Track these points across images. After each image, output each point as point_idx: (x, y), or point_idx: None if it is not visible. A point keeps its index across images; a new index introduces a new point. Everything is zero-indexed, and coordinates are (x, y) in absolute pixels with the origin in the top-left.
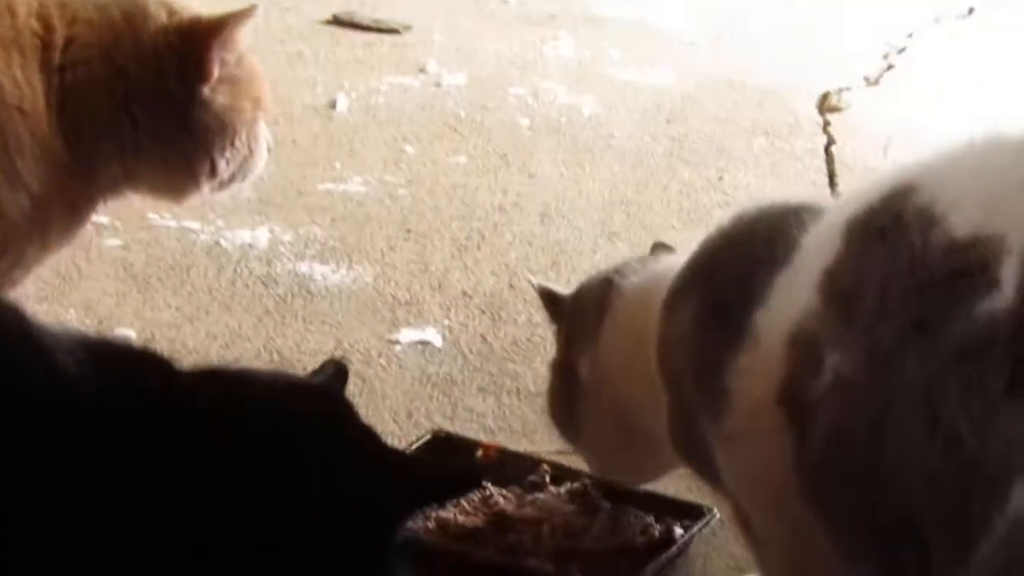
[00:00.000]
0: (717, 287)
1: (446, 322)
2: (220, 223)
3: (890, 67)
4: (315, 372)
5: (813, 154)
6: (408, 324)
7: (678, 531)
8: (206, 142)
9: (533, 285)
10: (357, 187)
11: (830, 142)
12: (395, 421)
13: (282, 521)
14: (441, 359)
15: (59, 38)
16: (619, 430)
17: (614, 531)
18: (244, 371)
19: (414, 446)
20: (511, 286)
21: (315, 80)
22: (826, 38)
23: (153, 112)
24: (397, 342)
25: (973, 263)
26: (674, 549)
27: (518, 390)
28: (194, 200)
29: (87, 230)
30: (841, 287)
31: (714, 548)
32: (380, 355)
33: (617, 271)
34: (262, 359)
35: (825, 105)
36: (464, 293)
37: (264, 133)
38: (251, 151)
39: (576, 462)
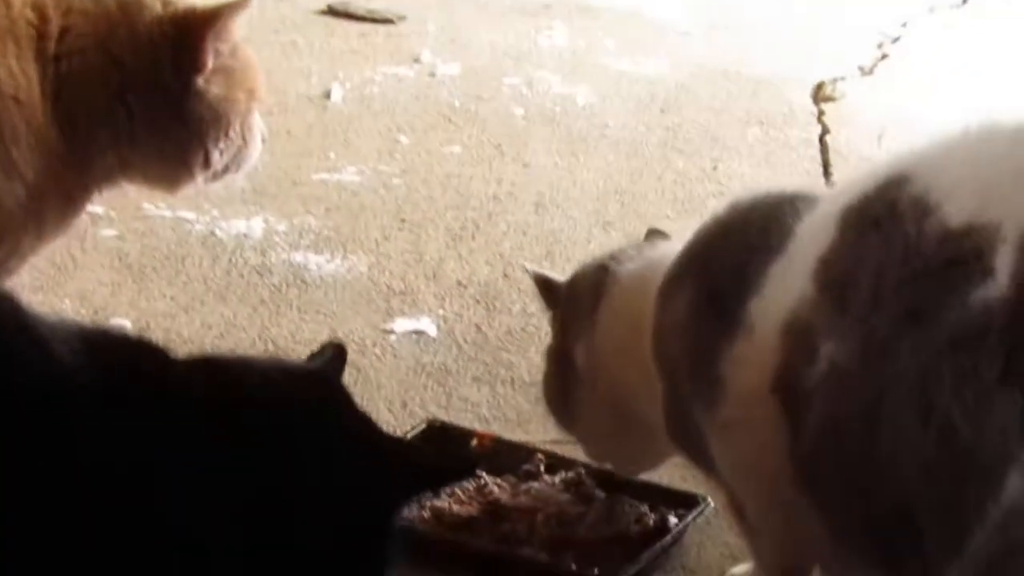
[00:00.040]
0: (712, 275)
1: (441, 312)
2: (215, 213)
3: (884, 56)
4: (314, 355)
5: (807, 144)
6: (403, 314)
7: (672, 520)
8: (200, 132)
9: (528, 271)
10: (352, 177)
11: (824, 131)
12: (390, 410)
13: (279, 508)
14: (436, 349)
15: (54, 28)
16: (614, 417)
17: (608, 520)
18: (239, 359)
19: (409, 435)
20: (505, 276)
21: (310, 70)
22: (820, 28)
23: (148, 102)
24: (392, 332)
25: (968, 251)
26: (668, 538)
27: (513, 380)
28: (188, 190)
29: (82, 220)
30: (836, 276)
31: (708, 537)
32: (375, 345)
33: (613, 257)
34: (257, 349)
35: (819, 95)
36: (458, 283)
37: (259, 124)
38: (245, 142)
39: (571, 451)
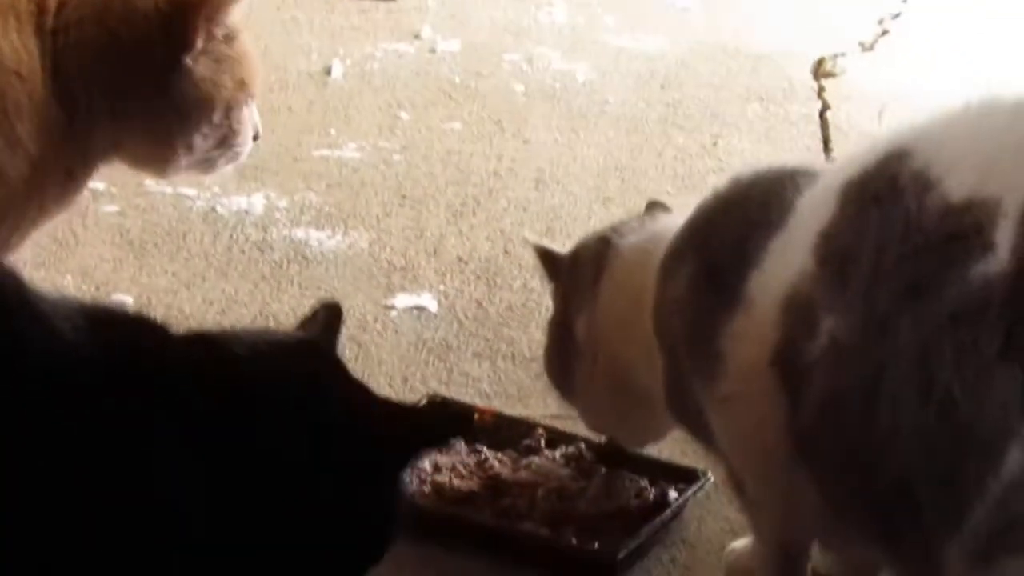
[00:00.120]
0: (712, 251)
1: (441, 287)
2: (216, 189)
3: (885, 32)
4: (308, 318)
5: (808, 119)
6: (404, 290)
7: (672, 494)
8: (183, 113)
9: (530, 244)
10: (352, 153)
11: (825, 107)
12: (391, 386)
13: (279, 480)
14: (437, 324)
15: (52, 2)
16: (615, 390)
17: (609, 495)
18: (233, 332)
19: None
20: (506, 252)
21: (310, 47)
22: (820, 3)
23: (139, 77)
24: (393, 307)
25: (968, 226)
26: (668, 512)
27: (513, 355)
28: (175, 176)
29: (84, 196)
30: (836, 250)
31: (708, 511)
32: (376, 320)
33: (615, 230)
34: (258, 325)
35: (820, 70)
36: (459, 259)
37: (251, 119)
38: (231, 132)
39: (572, 426)
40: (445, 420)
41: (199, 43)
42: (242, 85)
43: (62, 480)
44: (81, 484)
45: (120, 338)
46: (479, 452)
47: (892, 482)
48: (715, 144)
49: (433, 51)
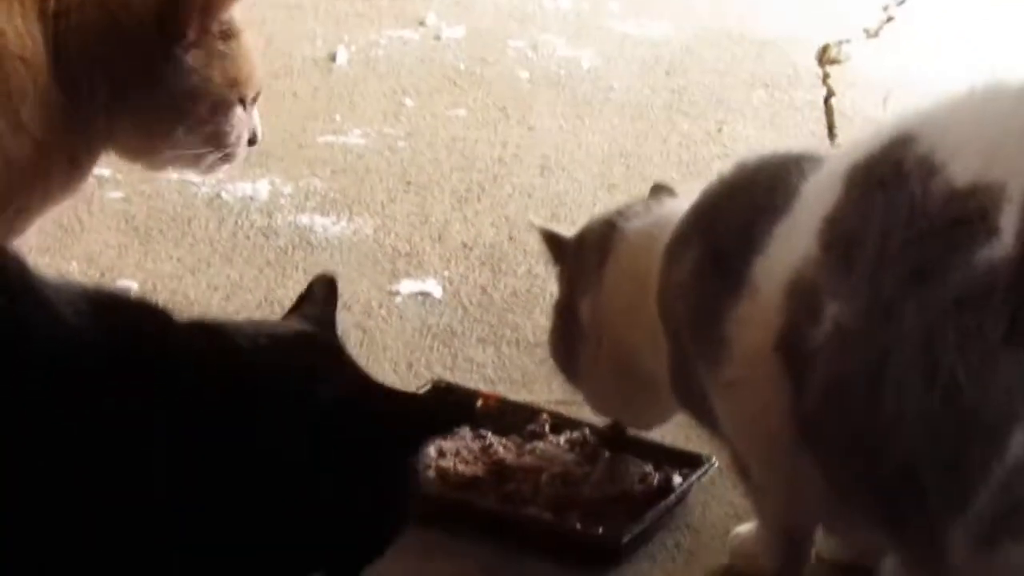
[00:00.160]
0: (717, 236)
1: (446, 273)
2: (220, 175)
3: (890, 19)
4: (304, 295)
5: (812, 106)
6: (408, 275)
7: (677, 479)
8: (169, 104)
9: (535, 227)
10: (357, 139)
11: (829, 94)
12: (395, 372)
13: (277, 470)
14: (441, 310)
15: None
16: (619, 374)
17: (613, 479)
18: (237, 322)
19: None
20: (511, 238)
21: (315, 33)
22: None
23: (133, 63)
24: (397, 293)
25: (973, 211)
26: (672, 497)
27: (518, 341)
28: (162, 170)
29: (89, 183)
30: (841, 235)
31: (713, 496)
32: (380, 306)
33: (620, 214)
34: (263, 310)
35: (825, 57)
36: (464, 245)
37: (248, 123)
38: (220, 132)
39: (576, 411)
40: (448, 409)
41: (191, 34)
42: (233, 84)
43: (63, 464)
44: (81, 468)
45: (122, 323)
46: (483, 437)
47: (897, 466)
48: (720, 130)
49: (438, 38)
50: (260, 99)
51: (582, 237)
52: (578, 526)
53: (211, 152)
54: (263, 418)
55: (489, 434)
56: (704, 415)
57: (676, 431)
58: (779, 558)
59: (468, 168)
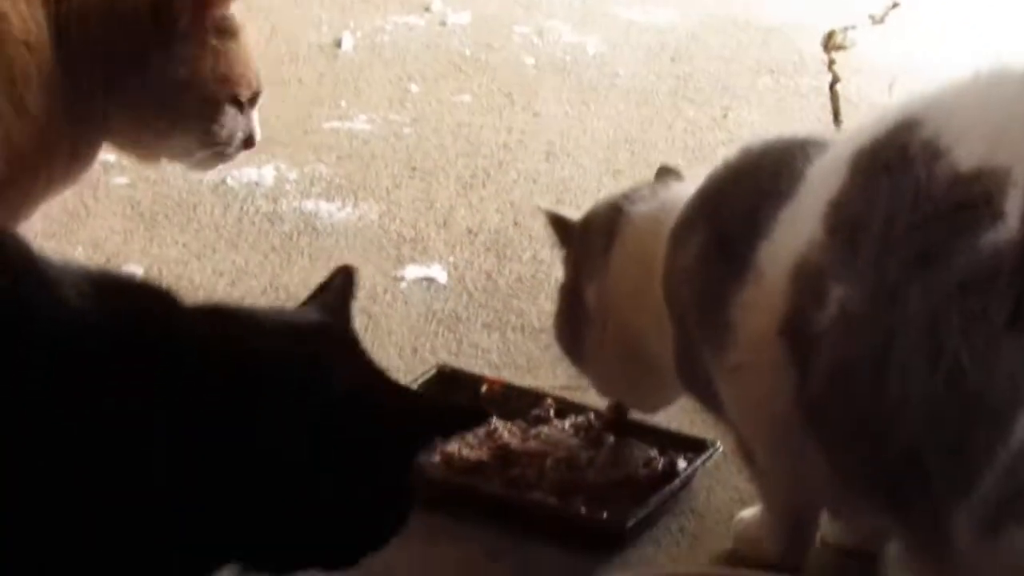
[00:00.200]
0: (722, 220)
1: (451, 259)
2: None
3: (895, 5)
4: (324, 284)
5: (818, 92)
6: (413, 261)
7: (681, 464)
8: (159, 95)
9: (541, 210)
10: (362, 125)
11: (835, 80)
12: (400, 357)
13: (284, 458)
14: (446, 296)
15: None
16: (624, 358)
17: (617, 464)
18: (246, 308)
19: (419, 381)
20: (516, 224)
21: (320, 19)
22: None
23: (128, 50)
24: (402, 279)
25: (977, 195)
26: (677, 482)
27: (523, 326)
28: (154, 163)
29: (95, 168)
30: (846, 219)
31: (717, 481)
32: (386, 291)
33: (626, 197)
34: (268, 296)
35: (830, 43)
36: (469, 230)
37: (242, 124)
38: (208, 129)
39: (581, 397)
40: (455, 414)
41: (183, 25)
42: (224, 81)
43: (64, 447)
44: (83, 451)
45: (126, 306)
46: (488, 422)
47: (901, 451)
48: (725, 117)
49: (443, 24)
50: (266, 84)
51: (588, 221)
52: (583, 510)
53: (200, 149)
54: (267, 406)
55: (494, 419)
56: (709, 399)
57: (681, 416)
58: (783, 542)
59: (473, 154)
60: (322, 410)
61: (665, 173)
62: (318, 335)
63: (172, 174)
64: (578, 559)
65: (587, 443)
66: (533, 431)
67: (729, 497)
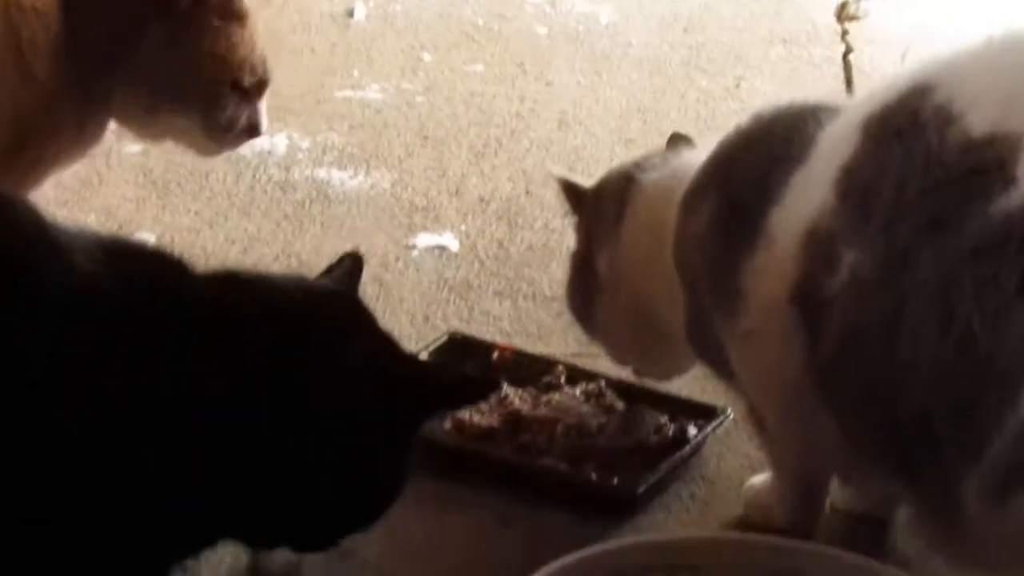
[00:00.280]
0: (734, 186)
1: (463, 227)
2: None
3: None
4: (331, 267)
5: (831, 62)
6: (425, 229)
7: (692, 431)
8: (157, 73)
9: (554, 176)
10: (375, 94)
11: (848, 50)
12: (412, 324)
13: (296, 424)
14: (458, 264)
15: None
16: (636, 325)
17: (628, 431)
18: (259, 274)
19: (431, 348)
20: (527, 192)
21: None
22: None
23: (130, 22)
24: (414, 247)
25: (989, 161)
26: (687, 448)
27: (534, 294)
28: (153, 142)
29: (107, 137)
30: (857, 185)
31: (728, 448)
32: (397, 259)
33: (638, 165)
34: (280, 263)
35: (843, 13)
36: (481, 199)
37: (248, 113)
38: (206, 112)
39: (592, 364)
40: (463, 385)
41: (184, 3)
42: (224, 64)
43: (73, 412)
44: (91, 416)
45: (137, 272)
46: (499, 389)
47: (911, 416)
48: (738, 86)
49: None
50: (279, 53)
51: (600, 188)
52: (593, 477)
53: (202, 132)
54: (277, 371)
55: (505, 385)
56: (720, 366)
57: (692, 383)
58: (794, 509)
59: (486, 123)
60: (334, 376)
61: (677, 141)
62: (330, 303)
63: None
64: (589, 525)
65: (598, 409)
66: (544, 398)
67: (739, 464)
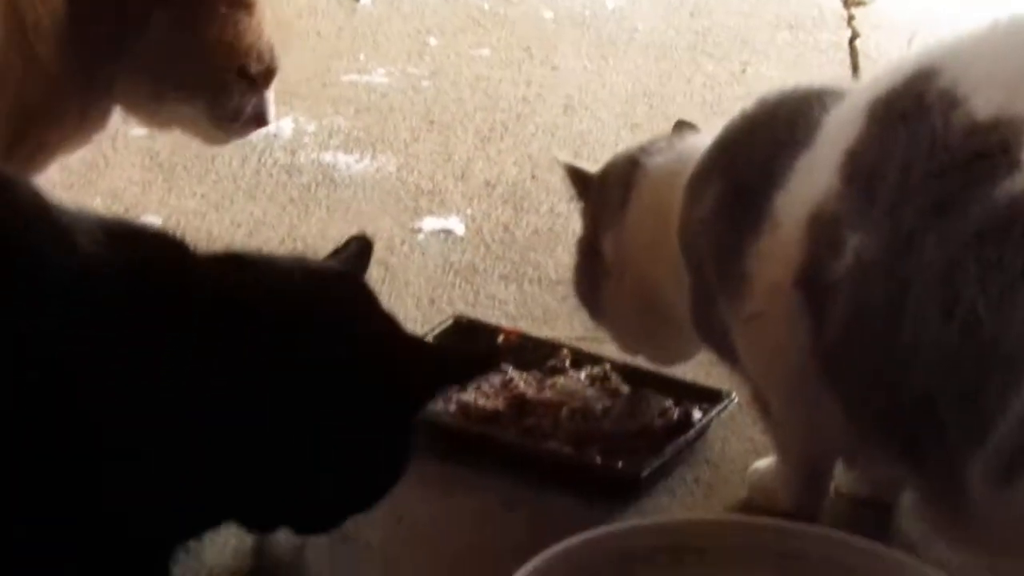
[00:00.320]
0: (739, 171)
1: (469, 211)
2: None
3: None
4: (338, 249)
5: (837, 47)
6: (431, 213)
7: (696, 414)
8: (161, 58)
9: (560, 162)
10: (381, 78)
11: (854, 35)
12: (418, 308)
13: (299, 404)
14: (464, 247)
15: None
16: (642, 310)
17: (633, 414)
18: (262, 255)
19: (436, 332)
20: (533, 176)
21: None
22: None
23: (137, 11)
24: (420, 231)
25: (994, 145)
26: (692, 432)
27: (539, 278)
28: (157, 130)
29: (113, 120)
30: (862, 168)
31: (732, 432)
32: (403, 243)
33: (643, 150)
34: (286, 247)
35: None
36: (487, 183)
37: (254, 103)
38: (211, 100)
39: (597, 348)
40: (463, 361)
41: None
42: (230, 51)
43: (75, 392)
44: (94, 397)
45: (140, 254)
46: (504, 372)
47: (916, 400)
48: (744, 71)
49: None
50: (285, 37)
51: (605, 173)
52: (598, 460)
53: (207, 120)
54: (281, 351)
55: (510, 368)
56: (725, 350)
57: (696, 367)
58: (798, 493)
59: (491, 107)
60: (335, 356)
61: (682, 126)
62: (331, 283)
63: None
64: (593, 508)
65: (603, 393)
66: (549, 381)
67: (744, 447)
